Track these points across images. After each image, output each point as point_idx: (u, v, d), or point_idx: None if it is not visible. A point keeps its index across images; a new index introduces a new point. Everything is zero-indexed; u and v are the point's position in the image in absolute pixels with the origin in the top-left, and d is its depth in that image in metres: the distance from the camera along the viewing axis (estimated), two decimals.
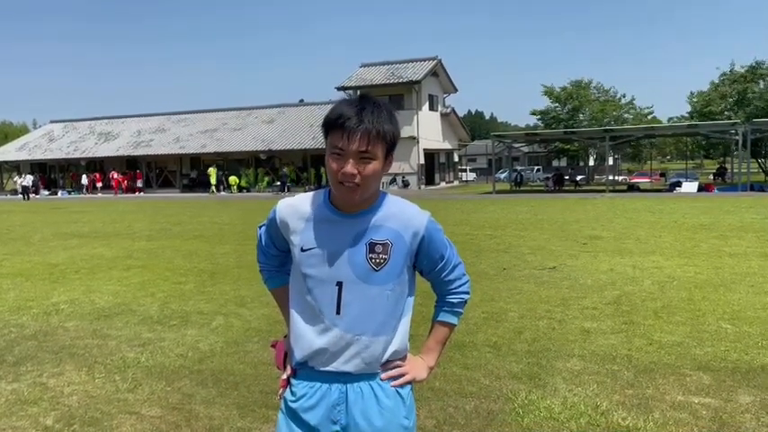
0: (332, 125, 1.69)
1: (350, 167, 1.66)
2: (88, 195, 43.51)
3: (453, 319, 1.91)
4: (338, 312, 1.75)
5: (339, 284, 1.74)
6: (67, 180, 49.16)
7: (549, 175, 42.17)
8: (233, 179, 41.60)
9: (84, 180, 45.72)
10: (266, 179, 42.12)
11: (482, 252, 10.24)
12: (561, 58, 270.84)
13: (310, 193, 1.86)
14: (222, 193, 41.17)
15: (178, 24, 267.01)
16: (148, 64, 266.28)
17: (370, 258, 1.74)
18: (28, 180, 41.06)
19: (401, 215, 1.79)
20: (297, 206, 1.83)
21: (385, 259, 1.75)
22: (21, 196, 39.71)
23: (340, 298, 1.75)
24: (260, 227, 1.96)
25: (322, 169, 39.13)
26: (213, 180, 41.22)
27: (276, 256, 1.95)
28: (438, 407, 3.78)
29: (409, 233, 1.77)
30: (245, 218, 19.08)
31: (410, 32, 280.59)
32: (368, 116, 1.67)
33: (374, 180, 1.71)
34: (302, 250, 1.78)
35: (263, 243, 1.95)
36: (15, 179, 47.40)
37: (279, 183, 39.72)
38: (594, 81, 47.75)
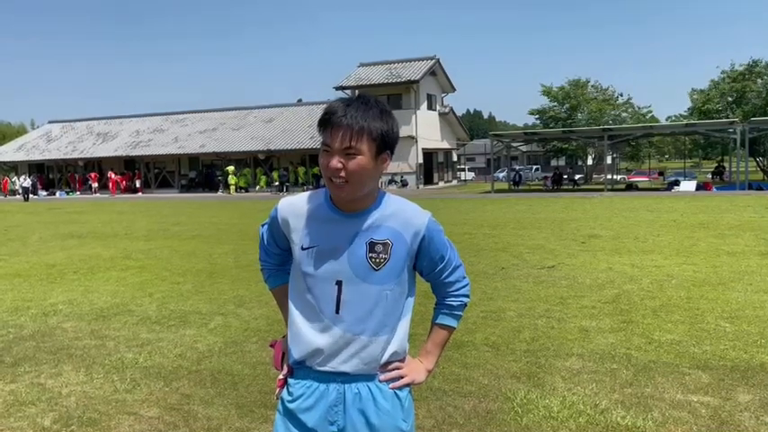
0: (321, 122, 1.72)
1: (334, 162, 1.66)
2: (85, 196, 43.45)
3: (452, 323, 1.90)
4: (337, 311, 1.74)
5: (339, 283, 1.74)
6: (64, 180, 49.06)
7: (548, 175, 42.17)
8: (232, 179, 41.49)
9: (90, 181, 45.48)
10: (263, 179, 41.99)
11: (481, 251, 10.24)
12: (560, 57, 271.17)
13: (311, 192, 1.86)
14: (220, 192, 41.12)
15: (176, 25, 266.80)
16: (148, 64, 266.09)
17: (371, 258, 1.73)
18: (28, 181, 40.72)
19: (402, 215, 1.77)
20: (298, 205, 1.82)
21: (385, 259, 1.74)
22: (21, 197, 39.27)
23: (339, 297, 1.74)
24: (262, 225, 1.96)
25: (316, 169, 39.25)
26: (232, 180, 40.75)
27: (278, 254, 1.94)
28: (437, 406, 3.78)
29: (410, 233, 1.76)
30: (244, 218, 19.07)
31: (408, 32, 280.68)
32: (352, 112, 1.67)
33: (362, 176, 1.69)
34: (302, 249, 1.77)
35: (265, 241, 1.95)
36: (14, 180, 47.22)
37: (278, 182, 39.73)
38: (593, 80, 47.80)
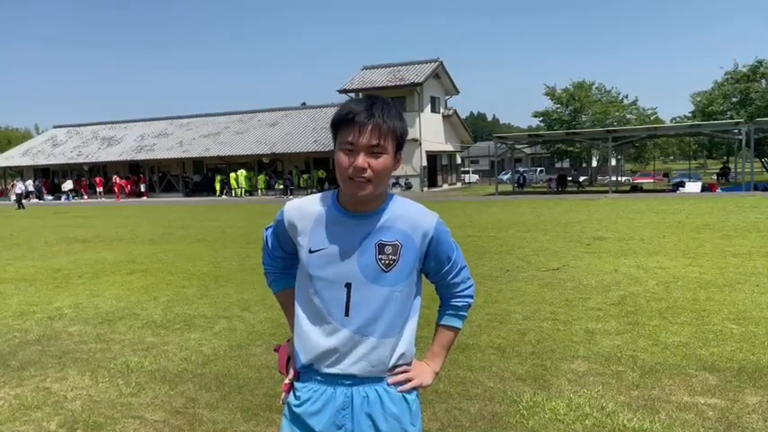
0: (342, 121, 1.70)
1: (361, 161, 1.66)
2: (91, 200, 43.58)
3: (458, 323, 1.90)
4: (347, 314, 1.73)
5: (348, 286, 1.73)
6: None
7: (552, 177, 42.11)
8: (234, 182, 41.51)
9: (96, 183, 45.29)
10: (261, 179, 41.94)
11: (485, 254, 10.22)
12: (564, 58, 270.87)
13: (318, 195, 1.85)
14: (224, 195, 41.18)
15: (181, 30, 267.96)
16: (152, 69, 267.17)
17: (380, 259, 1.73)
18: (20, 187, 36.79)
19: (410, 216, 1.77)
20: (305, 207, 1.81)
21: (394, 260, 1.73)
22: (16, 205, 34.10)
23: (349, 299, 1.73)
24: (266, 229, 1.95)
25: (320, 172, 39.24)
26: (244, 184, 40.49)
27: (282, 258, 1.93)
28: (442, 409, 3.77)
29: (418, 234, 1.76)
30: (248, 221, 19.09)
31: (411, 35, 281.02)
32: (378, 111, 1.68)
33: (384, 176, 1.70)
34: (310, 252, 1.76)
35: (270, 245, 1.93)
36: (13, 184, 47.11)
37: (282, 186, 39.75)
38: (597, 82, 47.76)
